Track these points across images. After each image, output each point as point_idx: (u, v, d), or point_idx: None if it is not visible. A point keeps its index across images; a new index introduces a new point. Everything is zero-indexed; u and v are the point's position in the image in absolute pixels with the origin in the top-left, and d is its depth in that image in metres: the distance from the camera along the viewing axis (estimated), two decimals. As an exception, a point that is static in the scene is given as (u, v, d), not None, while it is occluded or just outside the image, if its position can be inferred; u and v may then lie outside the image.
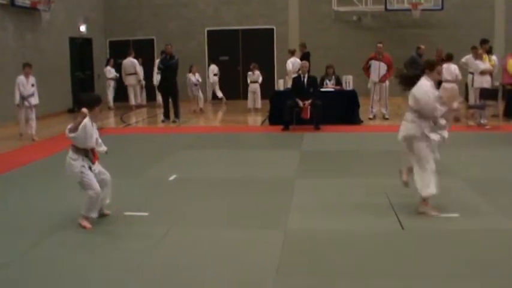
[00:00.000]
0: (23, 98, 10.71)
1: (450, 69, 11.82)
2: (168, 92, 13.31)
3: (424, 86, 5.30)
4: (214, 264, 4.35)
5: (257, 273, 4.16)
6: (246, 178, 7.34)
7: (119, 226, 5.35)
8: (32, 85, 10.74)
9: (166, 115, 13.38)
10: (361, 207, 5.66)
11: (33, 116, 10.94)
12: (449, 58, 12.12)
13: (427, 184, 5.27)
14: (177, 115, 13.28)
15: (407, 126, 5.39)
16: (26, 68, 10.72)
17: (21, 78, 10.67)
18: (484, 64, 12.24)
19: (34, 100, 10.87)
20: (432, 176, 5.27)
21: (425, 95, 5.24)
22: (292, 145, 9.82)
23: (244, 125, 13.21)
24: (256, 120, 13.75)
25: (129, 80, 16.56)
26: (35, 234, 5.08)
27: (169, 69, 13.24)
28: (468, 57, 12.61)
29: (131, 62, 16.53)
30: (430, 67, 5.37)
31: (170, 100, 13.30)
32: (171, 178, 7.31)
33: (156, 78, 15.11)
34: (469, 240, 4.76)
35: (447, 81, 11.85)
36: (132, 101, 16.51)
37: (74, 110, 15.30)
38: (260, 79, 15.37)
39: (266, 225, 5.33)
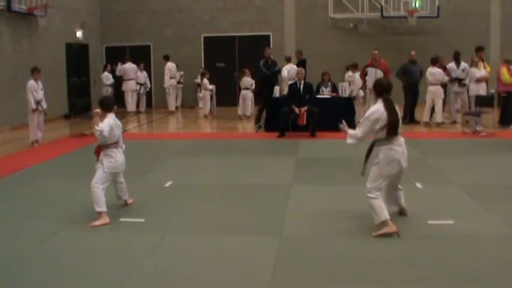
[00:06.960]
0: (37, 102, 10.69)
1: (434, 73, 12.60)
2: (270, 98, 12.53)
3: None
4: (210, 270, 4.34)
5: (252, 280, 4.15)
6: (242, 184, 7.34)
7: (114, 232, 5.34)
8: (41, 89, 10.79)
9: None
10: (358, 214, 5.66)
11: (43, 120, 11.02)
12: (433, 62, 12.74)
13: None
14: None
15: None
16: (36, 72, 10.68)
17: (32, 82, 10.61)
18: (480, 72, 12.30)
19: (45, 104, 10.94)
20: None
21: None
22: (288, 152, 9.83)
23: (240, 132, 13.20)
24: (252, 127, 13.71)
25: (130, 86, 16.49)
26: (31, 238, 5.08)
27: (275, 75, 12.99)
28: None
29: (132, 67, 16.51)
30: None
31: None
32: (167, 184, 7.30)
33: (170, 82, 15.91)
34: (464, 247, 4.76)
35: (431, 84, 12.64)
36: (130, 107, 16.41)
37: (70, 115, 15.28)
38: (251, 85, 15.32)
39: (262, 231, 5.33)
